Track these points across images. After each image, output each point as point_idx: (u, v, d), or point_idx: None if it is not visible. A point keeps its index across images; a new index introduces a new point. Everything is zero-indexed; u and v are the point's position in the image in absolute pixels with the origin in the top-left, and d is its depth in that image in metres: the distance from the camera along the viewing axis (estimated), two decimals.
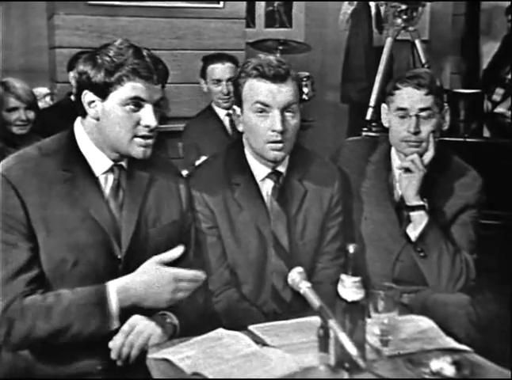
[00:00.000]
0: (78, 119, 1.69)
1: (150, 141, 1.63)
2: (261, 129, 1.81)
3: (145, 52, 1.63)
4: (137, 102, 1.59)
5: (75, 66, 3.38)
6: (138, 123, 1.61)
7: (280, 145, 1.81)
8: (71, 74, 3.49)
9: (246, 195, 1.88)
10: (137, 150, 1.63)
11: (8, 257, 1.54)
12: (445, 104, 2.05)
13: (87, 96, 1.61)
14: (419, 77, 1.96)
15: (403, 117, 1.98)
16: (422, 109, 1.96)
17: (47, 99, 3.77)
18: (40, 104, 3.41)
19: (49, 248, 1.58)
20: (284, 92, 1.79)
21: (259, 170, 1.90)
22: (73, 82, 3.49)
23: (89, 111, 1.62)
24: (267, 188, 1.91)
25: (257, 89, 1.80)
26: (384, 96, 2.10)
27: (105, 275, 1.60)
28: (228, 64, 3.39)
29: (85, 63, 1.62)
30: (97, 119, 1.62)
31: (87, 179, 1.64)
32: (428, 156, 1.97)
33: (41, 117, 3.03)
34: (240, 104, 1.85)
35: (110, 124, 1.61)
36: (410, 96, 1.96)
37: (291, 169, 1.93)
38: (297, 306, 1.74)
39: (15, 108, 2.87)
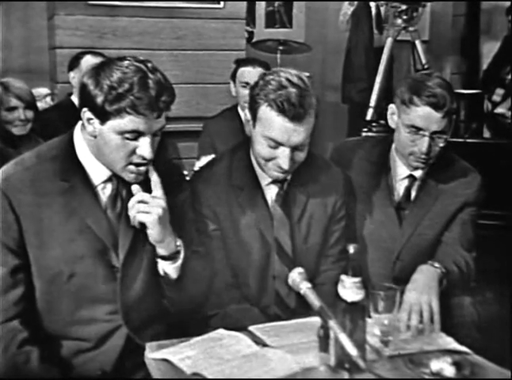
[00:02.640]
0: (79, 125, 1.65)
1: (143, 168, 1.58)
2: (267, 157, 1.78)
3: (151, 81, 1.52)
4: (135, 135, 1.54)
5: (77, 67, 3.43)
6: (134, 152, 1.56)
7: (284, 171, 1.79)
8: (71, 74, 3.49)
9: (250, 200, 1.87)
10: (129, 176, 1.59)
11: None
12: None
13: (86, 113, 1.56)
14: (438, 97, 1.88)
15: (415, 134, 1.93)
16: (436, 132, 1.92)
17: (48, 99, 3.77)
18: (41, 105, 3.41)
19: (43, 262, 1.56)
20: (299, 132, 1.73)
21: (264, 176, 1.88)
22: (73, 82, 3.49)
23: (88, 127, 1.57)
24: (271, 193, 1.90)
25: (274, 124, 1.73)
26: (392, 96, 2.04)
27: (102, 285, 1.60)
28: (259, 69, 3.33)
29: (88, 76, 1.55)
30: (94, 137, 1.58)
31: (85, 189, 1.61)
32: None
33: (41, 118, 3.03)
34: (253, 118, 1.80)
35: (105, 148, 1.56)
36: (427, 117, 1.89)
37: (296, 175, 1.90)
38: (301, 312, 1.71)
39: (14, 108, 2.87)
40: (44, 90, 3.80)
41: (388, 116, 2.05)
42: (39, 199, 1.56)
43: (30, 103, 2.92)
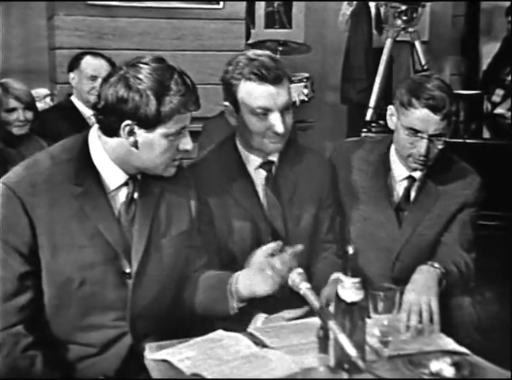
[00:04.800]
0: (95, 131, 1.61)
1: (181, 161, 1.65)
2: (261, 129, 1.83)
3: (184, 74, 1.56)
4: (180, 132, 1.57)
5: (77, 67, 3.42)
6: (177, 149, 1.59)
7: (278, 139, 1.85)
8: (71, 74, 3.48)
9: (239, 187, 1.90)
10: (169, 171, 1.64)
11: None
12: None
13: (129, 127, 1.52)
14: (437, 99, 1.89)
15: (414, 136, 1.94)
16: (434, 134, 1.92)
17: (47, 100, 3.77)
18: (40, 105, 3.41)
19: (54, 268, 1.54)
20: (282, 94, 1.81)
21: (252, 161, 1.92)
22: (73, 83, 3.48)
23: (129, 139, 1.54)
24: (260, 177, 1.93)
25: (257, 93, 1.79)
26: (392, 97, 2.05)
27: (112, 291, 1.59)
28: None
29: (116, 86, 1.50)
30: (136, 148, 1.55)
31: (98, 194, 1.58)
32: None
33: (41, 118, 3.03)
34: (235, 104, 1.85)
35: (150, 153, 1.56)
36: (426, 120, 1.90)
37: (282, 159, 1.95)
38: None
39: (14, 109, 2.87)
40: (44, 91, 3.79)
41: (387, 117, 2.06)
42: (52, 204, 1.54)
43: (29, 104, 2.93)
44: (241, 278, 1.63)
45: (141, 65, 1.52)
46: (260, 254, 1.60)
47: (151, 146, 1.55)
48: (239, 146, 1.94)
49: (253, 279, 1.60)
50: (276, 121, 1.81)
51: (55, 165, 1.57)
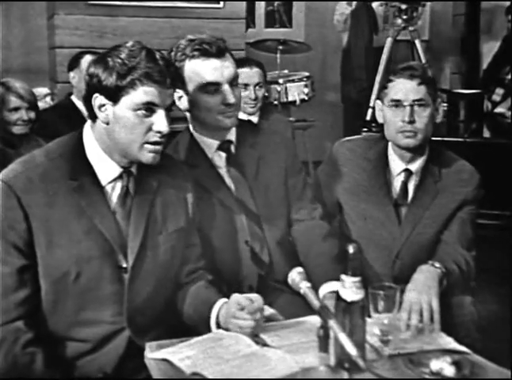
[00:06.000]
0: (88, 123, 1.65)
1: (160, 147, 1.60)
2: (212, 104, 1.85)
3: (158, 55, 1.58)
4: (149, 107, 1.56)
5: (77, 67, 3.43)
6: (150, 129, 1.57)
7: (231, 113, 1.87)
8: (71, 74, 3.49)
9: (202, 173, 1.91)
10: (147, 156, 1.59)
11: None
12: (439, 98, 2.08)
13: (98, 99, 1.56)
14: (411, 68, 1.99)
15: (397, 108, 1.99)
16: (415, 100, 1.97)
17: (48, 99, 3.77)
18: (40, 105, 3.40)
19: (50, 262, 1.55)
20: (228, 65, 1.84)
21: (209, 144, 1.95)
22: (73, 82, 3.49)
23: (100, 114, 1.58)
24: (221, 160, 1.95)
25: (204, 68, 1.82)
26: (378, 92, 2.13)
27: (108, 286, 1.59)
28: (256, 69, 3.32)
29: (95, 65, 1.57)
30: (107, 124, 1.58)
31: (94, 188, 1.59)
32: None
33: (41, 118, 3.03)
34: (183, 86, 1.86)
35: (121, 129, 1.56)
36: (404, 88, 1.97)
37: (240, 137, 1.98)
38: (277, 268, 1.91)
39: (17, 108, 2.87)
40: (44, 90, 3.79)
41: (376, 113, 2.11)
42: (48, 198, 1.55)
43: (32, 103, 2.92)
44: (223, 310, 1.61)
45: (119, 47, 1.58)
46: (233, 302, 1.57)
47: (120, 120, 1.56)
48: (194, 133, 1.96)
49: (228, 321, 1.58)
50: (226, 93, 1.83)
51: (50, 161, 1.59)
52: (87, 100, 1.59)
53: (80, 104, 3.36)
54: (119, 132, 1.57)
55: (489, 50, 4.96)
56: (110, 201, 1.62)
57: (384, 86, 2.04)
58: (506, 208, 3.23)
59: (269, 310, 1.69)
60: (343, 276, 1.37)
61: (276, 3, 5.67)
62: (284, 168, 2.01)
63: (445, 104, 3.85)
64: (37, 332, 1.55)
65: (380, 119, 2.09)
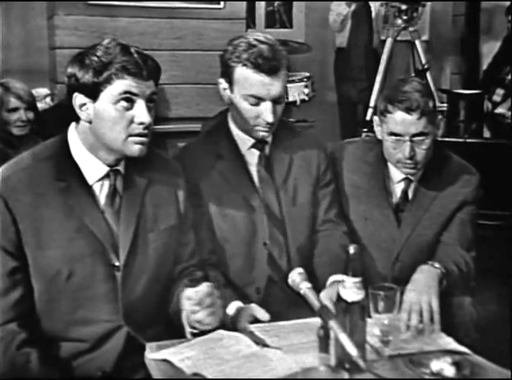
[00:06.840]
0: (72, 125, 1.66)
1: (145, 139, 1.59)
2: (251, 115, 1.85)
3: (133, 49, 1.58)
4: (128, 98, 1.55)
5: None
6: (132, 122, 1.57)
7: (267, 129, 1.87)
8: None
9: (231, 167, 1.91)
10: (132, 149, 1.59)
11: None
12: (440, 116, 2.04)
13: (78, 98, 1.57)
14: (410, 100, 1.90)
15: (396, 141, 1.95)
16: (415, 134, 1.92)
17: (48, 100, 3.77)
18: (40, 105, 3.41)
19: (42, 263, 1.56)
20: (276, 85, 1.82)
21: (244, 140, 1.93)
22: None
23: (81, 114, 1.58)
24: (253, 158, 1.94)
25: (251, 80, 1.81)
26: (376, 109, 2.07)
27: (101, 284, 1.59)
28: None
29: (72, 65, 1.58)
30: (90, 122, 1.58)
31: (82, 187, 1.60)
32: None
33: (41, 118, 3.03)
34: (229, 82, 1.87)
35: (103, 125, 1.57)
36: (403, 122, 1.91)
37: (276, 139, 1.96)
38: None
39: (16, 109, 2.87)
40: (44, 90, 3.79)
41: (375, 128, 2.07)
42: (36, 200, 1.56)
43: (31, 104, 2.93)
44: None
45: (95, 46, 1.59)
46: (184, 299, 1.54)
47: (101, 116, 1.56)
48: (231, 125, 1.95)
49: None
50: (266, 110, 1.82)
51: (37, 162, 1.60)
52: (69, 101, 1.60)
53: None
54: (102, 129, 1.57)
55: (489, 50, 4.95)
56: (98, 200, 1.63)
57: (382, 113, 1.98)
58: (506, 208, 3.22)
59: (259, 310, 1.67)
60: (344, 277, 1.38)
61: (276, 3, 5.66)
62: (315, 177, 2.00)
63: (445, 105, 3.85)
64: (32, 332, 1.56)
65: (378, 136, 2.05)
